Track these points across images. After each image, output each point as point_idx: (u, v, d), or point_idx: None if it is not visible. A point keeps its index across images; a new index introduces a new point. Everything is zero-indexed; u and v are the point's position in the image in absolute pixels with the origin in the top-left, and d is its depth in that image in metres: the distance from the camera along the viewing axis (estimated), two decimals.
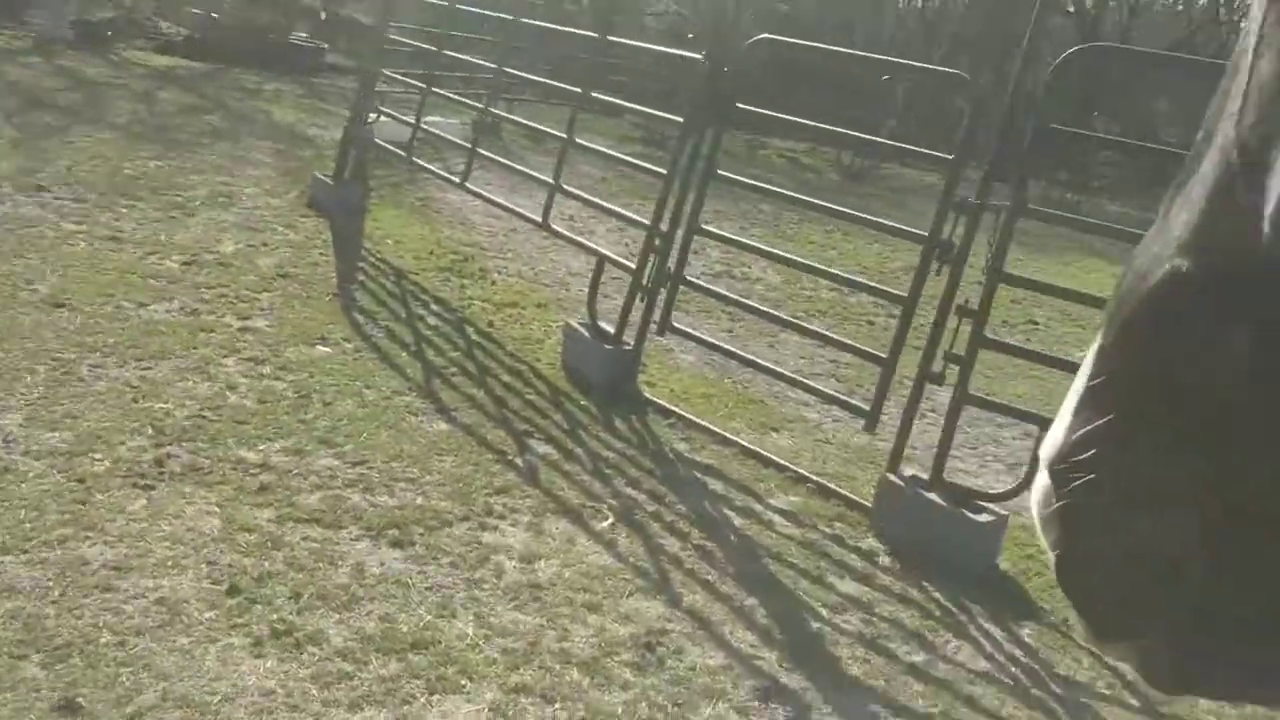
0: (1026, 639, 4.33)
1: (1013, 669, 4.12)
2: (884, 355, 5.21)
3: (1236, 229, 0.69)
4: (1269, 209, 0.67)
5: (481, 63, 9.33)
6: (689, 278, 6.35)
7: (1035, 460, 4.77)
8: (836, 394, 5.84)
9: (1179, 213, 0.75)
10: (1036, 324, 9.49)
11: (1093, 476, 0.76)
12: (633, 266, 6.28)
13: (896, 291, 5.34)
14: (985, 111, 5.28)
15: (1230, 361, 0.69)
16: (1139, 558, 0.74)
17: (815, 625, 4.16)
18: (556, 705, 3.40)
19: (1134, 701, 4.01)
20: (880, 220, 5.60)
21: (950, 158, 5.13)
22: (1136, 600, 0.76)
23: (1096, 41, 17.93)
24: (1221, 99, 0.77)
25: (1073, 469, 0.77)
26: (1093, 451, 0.76)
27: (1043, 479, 0.82)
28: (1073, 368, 4.39)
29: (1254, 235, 0.68)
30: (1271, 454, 0.68)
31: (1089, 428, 0.76)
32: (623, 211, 6.92)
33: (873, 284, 6.02)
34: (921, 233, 5.10)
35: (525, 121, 8.64)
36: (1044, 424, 4.90)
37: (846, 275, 6.35)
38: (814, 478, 5.33)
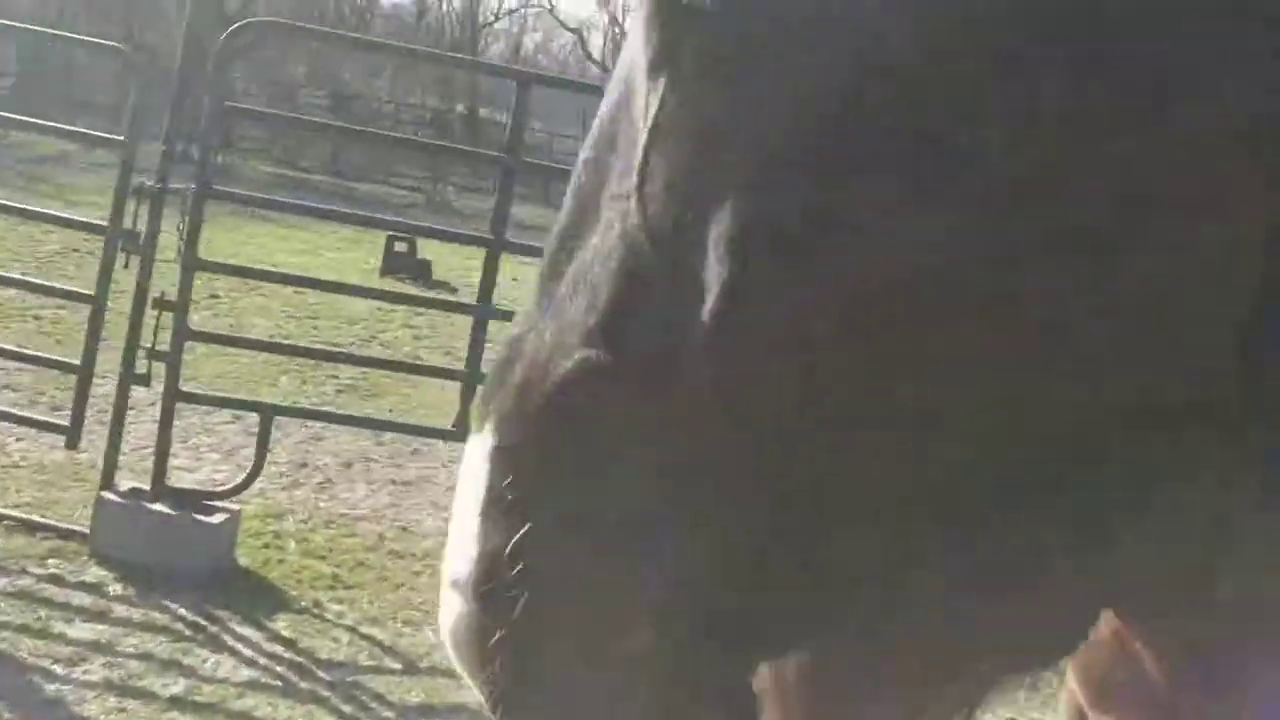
0: (284, 633, 4.25)
1: (278, 668, 4.01)
2: (77, 363, 4.66)
3: (654, 318, 0.64)
4: (708, 304, 0.61)
5: None
6: None
7: (262, 453, 4.68)
8: (18, 412, 5.10)
9: (576, 298, 0.68)
10: (218, 297, 9.27)
11: (529, 592, 0.67)
12: None
13: (83, 291, 4.79)
14: (149, 86, 4.94)
15: (648, 452, 0.65)
16: (593, 670, 0.68)
17: (52, 687, 3.61)
18: None
19: (396, 665, 4.16)
20: (47, 211, 4.98)
21: (121, 139, 4.71)
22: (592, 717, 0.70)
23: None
24: (595, 174, 0.70)
25: (503, 588, 0.68)
26: (522, 563, 0.67)
27: (457, 606, 0.71)
28: (273, 347, 4.32)
29: (681, 326, 0.63)
30: (696, 545, 0.65)
31: (511, 537, 0.67)
32: None
33: (51, 284, 5.36)
34: (100, 223, 4.63)
35: None
36: (259, 409, 4.81)
37: (7, 275, 5.54)
38: (12, 512, 4.62)
